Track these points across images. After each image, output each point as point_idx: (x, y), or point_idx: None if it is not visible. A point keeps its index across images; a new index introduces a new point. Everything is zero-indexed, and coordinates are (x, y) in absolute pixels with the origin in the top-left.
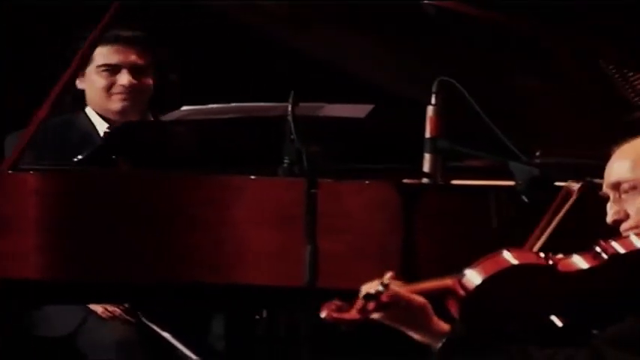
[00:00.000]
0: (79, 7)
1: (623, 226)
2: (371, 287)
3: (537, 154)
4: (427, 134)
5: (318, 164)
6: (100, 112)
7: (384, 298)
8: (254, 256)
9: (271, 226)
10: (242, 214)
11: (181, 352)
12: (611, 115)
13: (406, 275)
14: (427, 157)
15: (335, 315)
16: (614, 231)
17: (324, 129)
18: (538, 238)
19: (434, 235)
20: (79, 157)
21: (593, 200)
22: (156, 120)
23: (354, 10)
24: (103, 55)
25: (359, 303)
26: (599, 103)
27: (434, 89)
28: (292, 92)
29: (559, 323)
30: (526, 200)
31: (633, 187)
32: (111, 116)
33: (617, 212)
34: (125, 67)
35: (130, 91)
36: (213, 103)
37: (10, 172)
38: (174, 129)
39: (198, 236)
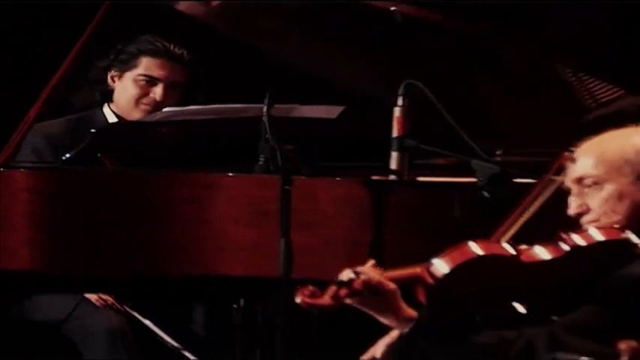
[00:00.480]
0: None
1: (584, 219)
2: (344, 274)
3: (498, 152)
4: (394, 134)
5: (291, 162)
6: (119, 114)
7: (356, 284)
8: (232, 249)
9: (248, 220)
10: (220, 209)
11: (162, 339)
12: (567, 117)
13: (379, 264)
14: (394, 155)
15: (309, 300)
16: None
17: (297, 129)
18: (508, 229)
19: (401, 229)
20: (67, 155)
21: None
22: (139, 120)
23: (323, 15)
24: (148, 66)
25: (332, 289)
26: (557, 105)
27: (400, 91)
28: (267, 94)
29: (521, 310)
30: (487, 196)
31: (595, 183)
32: (125, 114)
33: (580, 206)
34: (163, 82)
35: (158, 106)
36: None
37: (0, 169)
38: (156, 129)
39: (179, 231)
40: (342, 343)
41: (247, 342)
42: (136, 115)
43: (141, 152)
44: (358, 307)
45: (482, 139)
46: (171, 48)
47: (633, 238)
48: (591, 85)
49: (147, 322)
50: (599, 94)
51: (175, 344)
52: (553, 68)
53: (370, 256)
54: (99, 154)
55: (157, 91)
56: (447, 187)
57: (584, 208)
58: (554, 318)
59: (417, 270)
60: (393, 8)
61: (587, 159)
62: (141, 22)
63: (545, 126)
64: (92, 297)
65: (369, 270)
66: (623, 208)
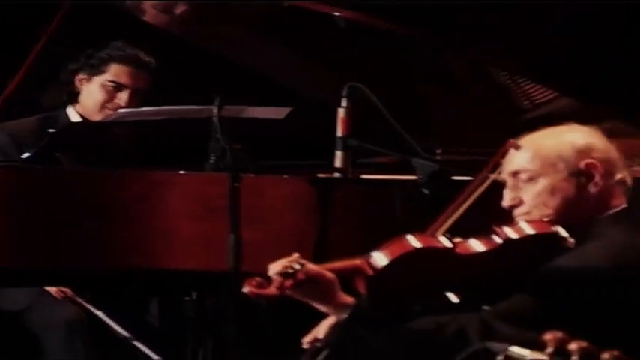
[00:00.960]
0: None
1: (517, 211)
2: (287, 266)
3: (438, 151)
4: (338, 133)
5: (240, 161)
6: (83, 116)
7: (299, 275)
8: (183, 243)
9: (198, 216)
10: (172, 206)
11: (114, 329)
12: (504, 117)
13: (319, 259)
14: (338, 154)
15: (255, 290)
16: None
17: (246, 129)
18: (445, 222)
19: (344, 225)
20: (27, 154)
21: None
22: (95, 121)
23: (271, 20)
24: (117, 72)
25: (277, 280)
26: (494, 106)
27: (344, 93)
28: (217, 96)
29: (454, 299)
30: (427, 193)
31: (530, 178)
32: (88, 115)
33: (513, 199)
34: (129, 89)
35: (120, 107)
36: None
37: None
38: (112, 129)
39: (132, 227)
40: (291, 335)
41: (199, 333)
42: (98, 118)
43: (97, 152)
44: (299, 296)
45: (424, 138)
46: (141, 56)
47: (562, 231)
48: (526, 87)
49: (99, 314)
50: (534, 96)
51: (126, 334)
52: (490, 70)
53: (315, 251)
54: (58, 154)
55: (123, 97)
56: (389, 185)
57: (518, 201)
58: (485, 307)
59: (357, 262)
60: (336, 14)
61: (524, 154)
62: (101, 26)
63: (482, 126)
64: (52, 289)
65: (306, 261)
66: (554, 202)
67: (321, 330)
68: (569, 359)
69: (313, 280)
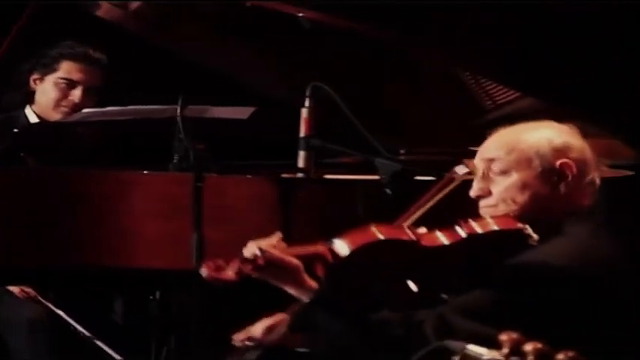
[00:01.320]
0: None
1: (484, 202)
2: (248, 251)
3: (402, 152)
4: (301, 133)
5: (204, 161)
6: (40, 115)
7: (259, 261)
8: (148, 243)
9: (163, 215)
10: (137, 205)
11: (75, 329)
12: (467, 118)
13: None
14: (302, 154)
15: (213, 274)
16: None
17: (210, 129)
18: (412, 215)
19: (307, 224)
20: None
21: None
22: (59, 121)
23: (235, 19)
24: (68, 69)
25: (235, 265)
26: (457, 107)
27: (307, 93)
28: (180, 96)
29: (414, 288)
30: (389, 192)
31: (503, 171)
32: (44, 115)
33: (482, 189)
34: (82, 85)
35: (76, 108)
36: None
37: None
38: (75, 129)
39: (97, 225)
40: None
41: (163, 332)
42: (55, 116)
43: (62, 152)
44: (262, 278)
45: (389, 138)
46: (91, 53)
47: (528, 229)
48: (489, 88)
49: (61, 313)
50: (497, 96)
51: (88, 334)
52: (454, 71)
53: None
54: (22, 154)
55: (76, 94)
56: (352, 185)
57: (486, 191)
58: (444, 297)
59: (319, 248)
60: (300, 14)
61: (501, 143)
62: (60, 25)
63: (446, 126)
64: (15, 289)
65: (272, 247)
66: (522, 198)
67: (256, 330)
68: (526, 358)
69: (275, 265)
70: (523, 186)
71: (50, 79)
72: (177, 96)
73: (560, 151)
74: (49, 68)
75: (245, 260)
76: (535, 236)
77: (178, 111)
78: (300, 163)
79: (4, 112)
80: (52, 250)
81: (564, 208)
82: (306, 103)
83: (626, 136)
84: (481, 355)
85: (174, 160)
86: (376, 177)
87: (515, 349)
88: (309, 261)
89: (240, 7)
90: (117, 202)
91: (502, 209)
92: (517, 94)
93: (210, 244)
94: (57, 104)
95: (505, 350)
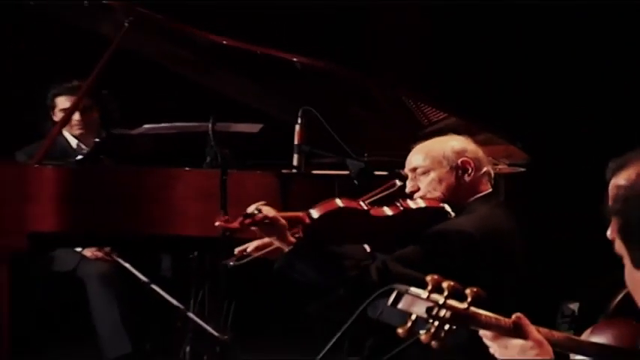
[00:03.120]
0: None
1: (416, 195)
2: (250, 209)
3: (365, 154)
4: (295, 142)
5: (228, 161)
6: (72, 134)
7: (257, 217)
8: (190, 217)
9: (199, 199)
10: (180, 192)
11: (137, 277)
12: (409, 130)
13: None
14: (296, 156)
15: (223, 224)
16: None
17: (232, 139)
18: (369, 198)
19: (300, 205)
20: (79, 157)
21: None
22: (128, 133)
23: (245, 59)
24: (61, 103)
25: (240, 219)
26: (402, 123)
27: (299, 114)
28: (212, 116)
29: (368, 249)
30: (356, 183)
31: (424, 172)
32: (76, 135)
33: (413, 187)
34: (76, 109)
35: (81, 123)
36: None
37: (36, 166)
38: (139, 138)
39: (153, 206)
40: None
41: (199, 281)
42: (75, 132)
43: (129, 155)
44: (260, 234)
45: (355, 145)
46: (69, 84)
47: (447, 207)
48: (426, 109)
49: (127, 265)
50: (431, 116)
51: (145, 279)
52: (400, 97)
53: None
54: (101, 157)
55: (75, 115)
56: (330, 178)
57: (416, 188)
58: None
59: (300, 214)
60: (294, 59)
61: (419, 155)
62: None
63: (394, 136)
64: (87, 252)
65: (267, 208)
66: (441, 188)
67: (250, 245)
68: (443, 293)
69: (269, 222)
70: (439, 180)
71: (56, 112)
72: (209, 116)
73: (460, 153)
74: (52, 106)
75: (247, 215)
76: (452, 213)
77: (210, 126)
78: (295, 163)
79: (43, 136)
80: (124, 223)
81: (470, 193)
82: (299, 121)
83: (519, 144)
84: (419, 294)
85: (207, 161)
86: (347, 172)
87: (437, 287)
88: (292, 223)
89: (253, 53)
90: (168, 189)
91: (429, 197)
92: (445, 114)
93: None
94: (69, 124)
95: (429, 287)
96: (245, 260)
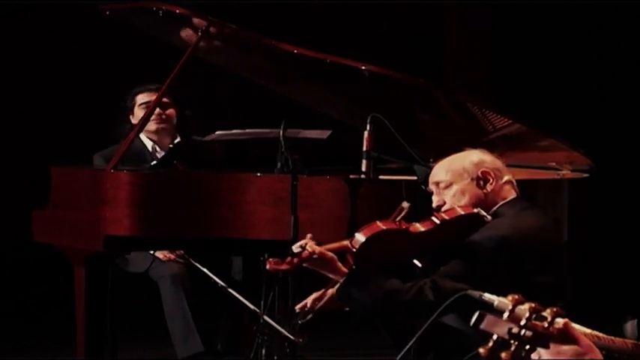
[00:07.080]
0: None
1: (442, 209)
2: (295, 247)
3: (431, 160)
4: (364, 148)
5: (298, 166)
6: (148, 136)
7: (304, 255)
8: (260, 221)
9: (270, 203)
10: (252, 196)
11: (214, 280)
12: (474, 137)
13: (350, 235)
14: (364, 162)
15: (274, 266)
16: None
17: (302, 145)
18: (399, 215)
19: (368, 210)
20: (153, 162)
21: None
22: (200, 139)
23: (318, 67)
24: (141, 98)
25: (288, 259)
26: (467, 129)
27: (368, 120)
28: (283, 122)
29: (419, 265)
30: (424, 188)
31: (447, 186)
32: (152, 137)
33: (438, 201)
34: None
35: (159, 117)
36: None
37: (112, 171)
38: (212, 144)
39: (225, 210)
40: None
41: (270, 283)
42: (151, 127)
43: (202, 160)
44: (311, 267)
45: (422, 151)
46: (150, 85)
47: (482, 211)
48: (490, 116)
49: (205, 270)
50: (495, 122)
51: (222, 283)
52: (465, 104)
53: (349, 228)
54: (175, 162)
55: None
56: (398, 183)
57: (442, 202)
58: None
59: (345, 243)
60: (362, 67)
61: (440, 170)
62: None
63: (461, 142)
64: (159, 254)
65: (311, 243)
66: (465, 200)
67: (310, 300)
68: (524, 314)
69: (316, 257)
70: (462, 192)
71: (136, 110)
72: (280, 122)
73: (478, 164)
74: (131, 105)
75: (293, 255)
76: (489, 217)
77: (281, 132)
78: (363, 168)
79: (119, 140)
80: (196, 226)
81: (494, 202)
82: (367, 128)
83: (582, 150)
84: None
85: (278, 166)
86: (414, 178)
87: (518, 306)
88: (340, 252)
89: (323, 62)
90: (239, 194)
91: (460, 205)
92: (509, 121)
93: (302, 223)
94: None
95: (510, 307)
96: (310, 315)
